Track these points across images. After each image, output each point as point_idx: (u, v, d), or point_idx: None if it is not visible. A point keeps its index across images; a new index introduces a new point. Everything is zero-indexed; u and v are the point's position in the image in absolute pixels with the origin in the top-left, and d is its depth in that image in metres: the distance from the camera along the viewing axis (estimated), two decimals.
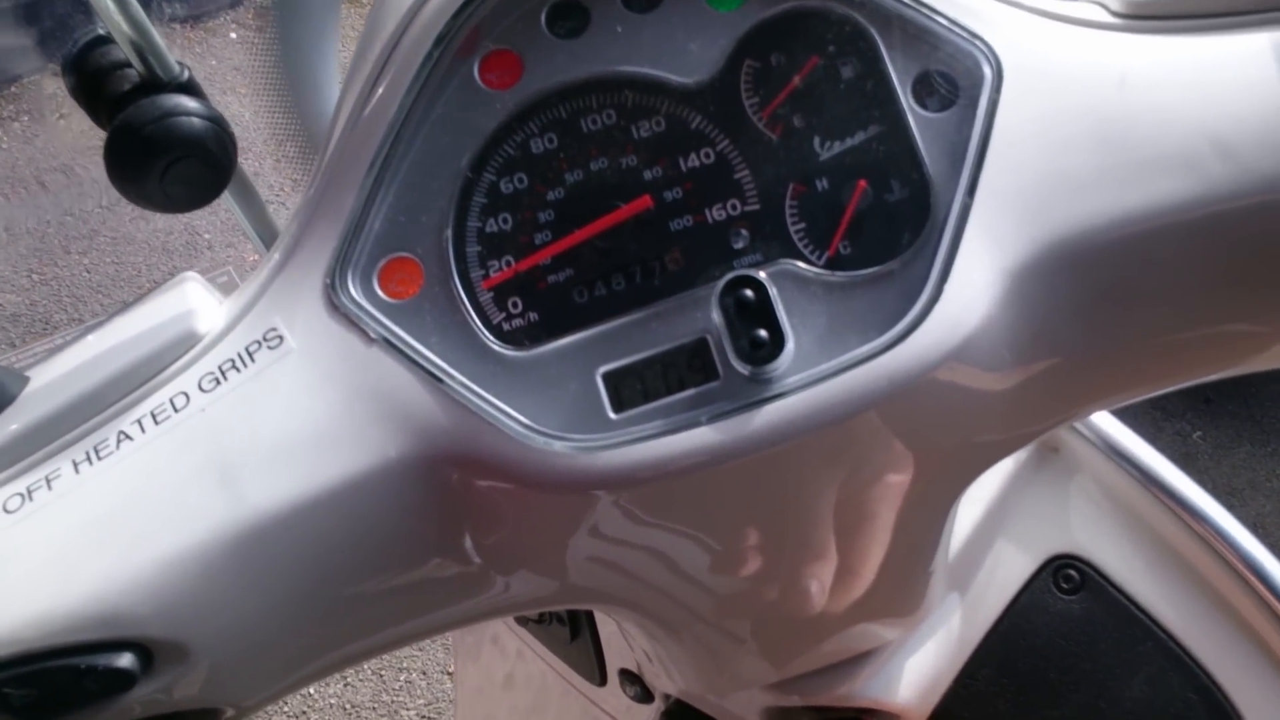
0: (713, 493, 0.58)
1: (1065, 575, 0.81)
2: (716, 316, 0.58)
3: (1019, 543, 0.82)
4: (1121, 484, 0.83)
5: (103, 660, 0.54)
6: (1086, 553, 0.82)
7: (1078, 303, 0.59)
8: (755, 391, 0.57)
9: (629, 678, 0.97)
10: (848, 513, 0.61)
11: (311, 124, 0.94)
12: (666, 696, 0.91)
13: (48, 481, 0.58)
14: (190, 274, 0.67)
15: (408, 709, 2.77)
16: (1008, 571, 0.82)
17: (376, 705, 2.75)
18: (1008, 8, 0.61)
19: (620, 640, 0.97)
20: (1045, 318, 0.58)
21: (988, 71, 0.60)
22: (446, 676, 2.84)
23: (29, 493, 0.58)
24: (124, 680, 0.55)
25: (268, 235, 0.79)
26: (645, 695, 0.96)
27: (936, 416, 0.58)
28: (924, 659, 0.78)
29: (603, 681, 1.03)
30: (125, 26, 0.69)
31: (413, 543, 0.60)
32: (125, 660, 0.55)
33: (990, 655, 0.80)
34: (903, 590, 0.72)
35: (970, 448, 0.62)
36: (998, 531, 0.83)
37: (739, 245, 0.60)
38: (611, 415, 0.58)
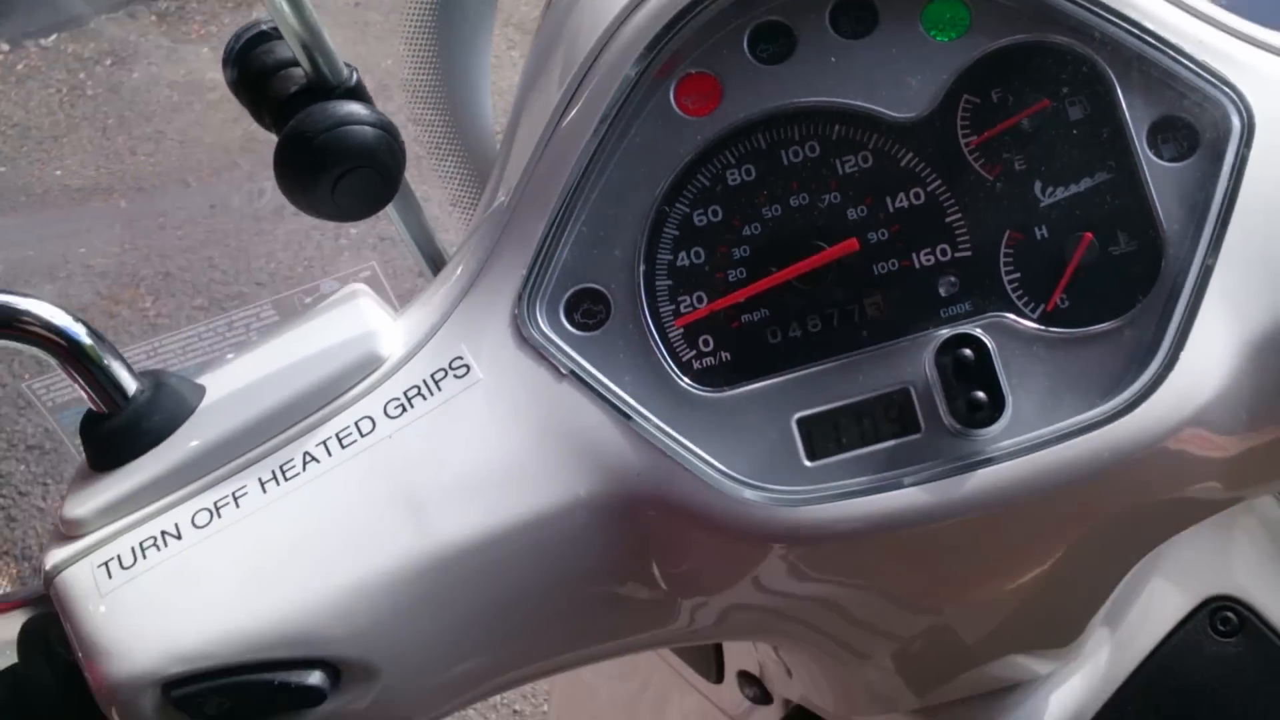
0: (904, 549, 0.56)
1: (1223, 618, 0.78)
2: (930, 372, 0.55)
3: (1176, 580, 0.79)
4: None
5: (295, 678, 0.55)
6: (1248, 596, 0.79)
7: None
8: (964, 453, 0.54)
9: (748, 679, 0.96)
10: (1037, 564, 0.59)
11: (466, 129, 0.92)
12: (787, 702, 0.90)
13: (235, 499, 0.57)
14: (360, 287, 0.66)
15: None
16: (1162, 609, 0.79)
17: None
18: (1262, 53, 0.57)
19: (745, 643, 0.95)
20: None
21: (1236, 122, 0.56)
22: None
23: (216, 508, 0.57)
24: (313, 697, 0.55)
25: (429, 248, 0.77)
26: (764, 697, 0.95)
27: (1155, 481, 0.55)
28: (1067, 693, 0.76)
29: (719, 680, 1.02)
30: (296, 25, 0.67)
31: (597, 571, 0.59)
32: (315, 678, 0.55)
33: (1136, 695, 0.77)
34: (1066, 628, 0.70)
35: (1183, 507, 0.59)
36: (1155, 566, 0.80)
37: (947, 294, 0.57)
38: (806, 463, 0.56)
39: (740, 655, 0.97)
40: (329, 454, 0.58)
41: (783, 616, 0.62)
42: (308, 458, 0.58)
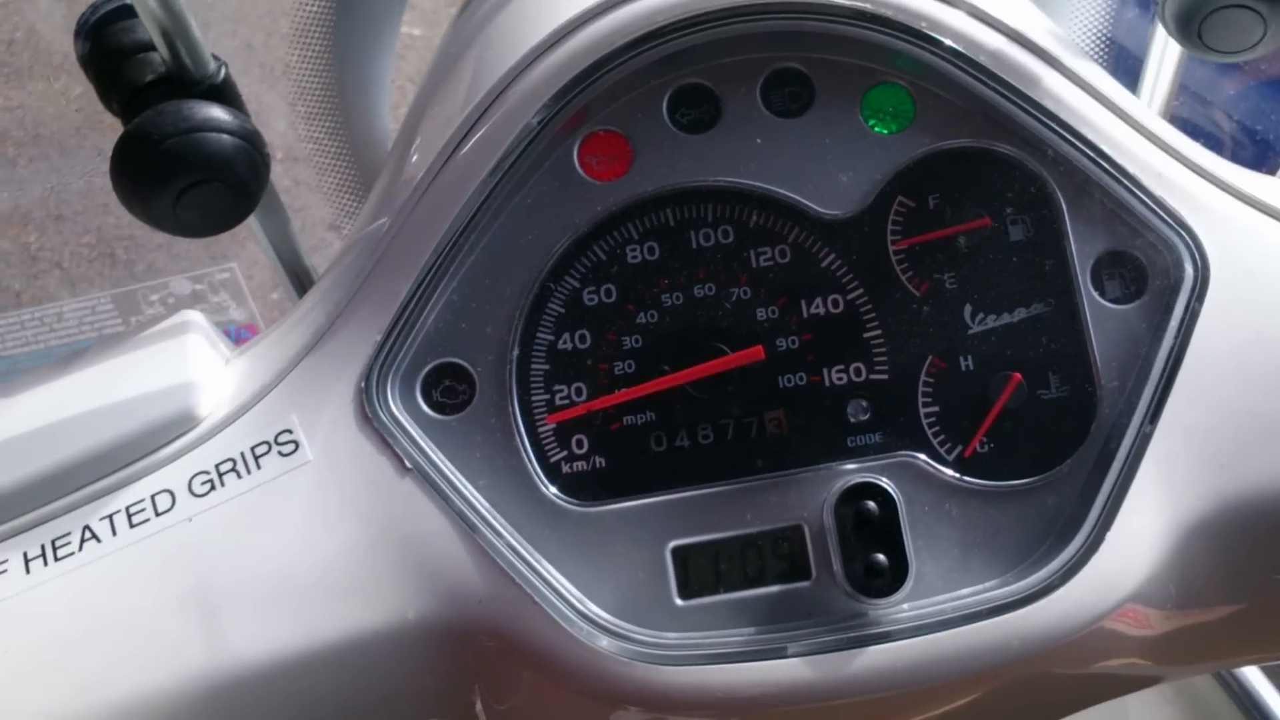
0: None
1: None
2: (828, 520, 0.48)
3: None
4: (1198, 681, 0.75)
5: None
6: None
7: (1263, 560, 0.49)
8: (857, 620, 0.47)
9: None
10: None
11: (359, 139, 0.82)
12: None
13: None
14: (192, 317, 0.57)
15: None
16: None
17: None
18: (1225, 196, 0.51)
19: None
20: (1220, 573, 0.49)
21: (1189, 270, 0.49)
22: None
23: None
24: None
25: (295, 265, 0.68)
26: None
27: (1067, 665, 0.49)
28: None
29: None
30: (157, 8, 0.57)
31: (414, 703, 0.50)
32: None
33: None
34: None
35: (1099, 685, 0.53)
36: None
37: (855, 420, 0.50)
38: (677, 601, 0.49)
39: None
40: (113, 533, 0.48)
41: None
42: (87, 534, 0.48)
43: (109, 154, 0.55)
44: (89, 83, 0.63)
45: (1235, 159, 0.53)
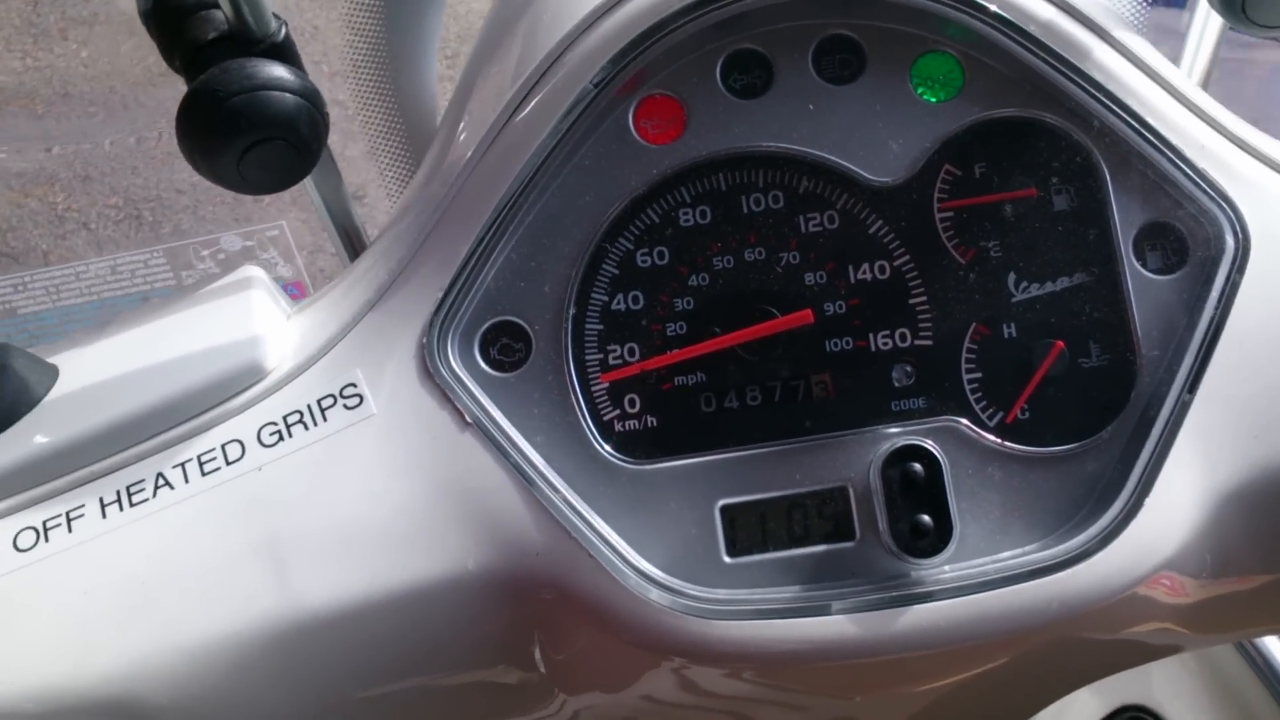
0: (819, 676, 0.51)
1: None
2: (874, 482, 0.49)
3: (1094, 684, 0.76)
4: (1220, 651, 0.76)
5: None
6: (1163, 710, 0.75)
7: None
8: (900, 579, 0.49)
9: None
10: (958, 692, 0.54)
11: (409, 113, 0.83)
12: None
13: (68, 520, 0.50)
14: (255, 273, 0.58)
15: None
16: (1076, 713, 0.75)
17: None
18: (1267, 169, 0.52)
19: None
20: (1253, 542, 0.50)
21: (1230, 242, 0.51)
22: None
23: (44, 530, 0.49)
24: None
25: (348, 226, 0.69)
26: None
27: (1100, 630, 0.51)
28: None
29: None
30: None
31: (478, 650, 0.52)
32: None
33: None
34: None
35: (1129, 651, 0.54)
36: None
37: (900, 384, 0.52)
38: (725, 559, 0.50)
39: None
40: (186, 480, 0.50)
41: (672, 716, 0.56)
42: (160, 481, 0.50)
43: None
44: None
45: None
